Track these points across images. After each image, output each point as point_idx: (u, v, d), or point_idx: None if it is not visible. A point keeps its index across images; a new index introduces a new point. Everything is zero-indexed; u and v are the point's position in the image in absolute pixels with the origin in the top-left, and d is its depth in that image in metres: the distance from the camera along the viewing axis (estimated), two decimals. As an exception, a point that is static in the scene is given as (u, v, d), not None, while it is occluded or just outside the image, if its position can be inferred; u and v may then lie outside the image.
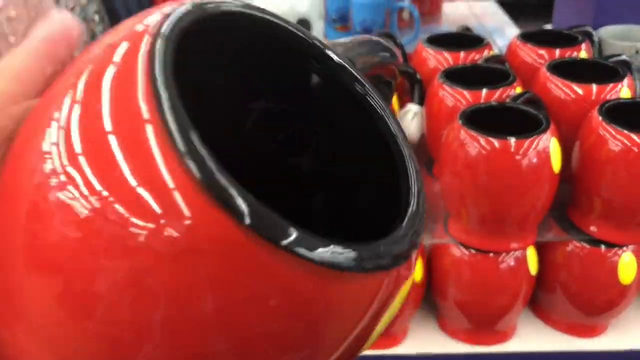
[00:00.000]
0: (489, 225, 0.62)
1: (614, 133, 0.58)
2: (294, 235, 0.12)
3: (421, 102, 0.75)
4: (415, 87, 0.75)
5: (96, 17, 2.22)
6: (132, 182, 0.12)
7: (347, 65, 0.18)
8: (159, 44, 0.13)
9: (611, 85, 0.66)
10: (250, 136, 0.21)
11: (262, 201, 0.12)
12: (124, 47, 0.14)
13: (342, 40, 0.20)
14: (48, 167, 0.13)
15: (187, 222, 0.11)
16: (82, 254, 0.12)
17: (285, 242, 0.12)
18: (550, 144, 0.57)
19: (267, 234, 0.12)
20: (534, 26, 1.03)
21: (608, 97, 0.65)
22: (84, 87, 0.13)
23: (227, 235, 0.11)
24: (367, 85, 0.18)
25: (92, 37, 2.25)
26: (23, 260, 0.13)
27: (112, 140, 0.12)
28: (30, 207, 0.13)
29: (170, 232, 0.11)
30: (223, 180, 0.11)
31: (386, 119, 0.18)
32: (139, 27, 0.14)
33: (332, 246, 0.12)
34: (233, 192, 0.11)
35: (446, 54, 0.78)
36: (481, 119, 0.60)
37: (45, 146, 0.13)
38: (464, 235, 0.64)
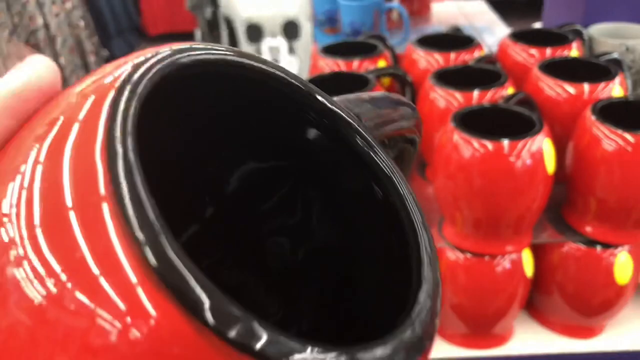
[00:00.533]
0: (484, 229, 0.61)
1: (607, 133, 0.58)
2: (264, 338, 0.10)
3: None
4: (406, 89, 0.75)
5: (81, 23, 2.19)
6: (93, 269, 0.10)
7: (347, 117, 0.16)
8: (123, 99, 0.12)
9: (603, 84, 0.66)
10: (236, 197, 0.18)
11: (244, 281, 0.10)
12: (89, 100, 0.12)
13: (353, 96, 0.17)
14: (5, 234, 0.11)
15: (150, 321, 0.10)
16: (31, 345, 0.10)
17: (255, 346, 0.10)
18: (543, 145, 0.57)
19: (233, 336, 0.10)
20: (523, 25, 1.03)
21: (600, 96, 0.65)
22: (49, 144, 0.12)
23: (187, 338, 0.10)
24: (372, 141, 0.16)
25: (78, 43, 2.23)
26: None
27: (71, 215, 0.10)
28: None
29: (134, 333, 0.10)
30: (183, 270, 0.10)
31: (393, 178, 0.15)
32: (108, 79, 0.13)
33: (310, 350, 0.10)
34: (193, 284, 0.09)
35: (436, 55, 0.77)
36: (474, 121, 0.60)
37: (5, 207, 0.11)
38: (458, 238, 0.63)
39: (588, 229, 0.63)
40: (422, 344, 0.12)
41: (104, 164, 0.11)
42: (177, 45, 0.14)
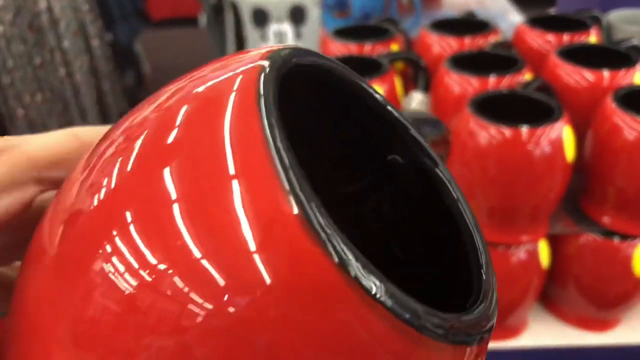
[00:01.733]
0: (499, 218, 0.59)
1: (629, 121, 0.56)
2: (397, 295, 0.11)
3: (426, 89, 0.72)
4: (419, 74, 0.73)
5: (85, 7, 2.17)
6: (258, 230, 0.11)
7: (422, 142, 0.17)
8: (268, 90, 0.12)
9: (624, 70, 0.64)
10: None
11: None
12: (236, 85, 0.13)
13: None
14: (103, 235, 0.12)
15: (311, 270, 0.11)
16: (130, 330, 0.11)
17: (384, 299, 0.11)
18: (563, 133, 0.55)
19: (375, 291, 0.11)
20: (536, 11, 1.01)
21: (620, 83, 0.63)
22: (206, 118, 0.12)
23: (329, 283, 0.11)
24: (432, 154, 0.17)
25: (82, 27, 2.20)
26: (70, 333, 0.12)
27: (237, 181, 0.11)
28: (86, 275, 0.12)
29: (300, 279, 0.11)
30: (337, 232, 0.11)
31: (451, 189, 0.16)
32: (247, 61, 0.13)
33: (423, 309, 0.11)
34: (335, 238, 0.11)
35: (451, 40, 0.76)
36: (490, 107, 0.58)
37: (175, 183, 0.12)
38: (473, 228, 0.61)
39: (606, 219, 0.61)
40: (496, 310, 0.14)
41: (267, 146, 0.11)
42: (294, 45, 0.14)
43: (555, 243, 0.65)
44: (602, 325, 0.67)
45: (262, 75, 0.12)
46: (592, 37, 0.74)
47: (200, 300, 0.11)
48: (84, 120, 2.21)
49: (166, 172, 0.12)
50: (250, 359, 0.11)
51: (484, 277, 0.14)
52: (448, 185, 0.16)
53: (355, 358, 0.11)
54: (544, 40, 0.75)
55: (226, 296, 0.11)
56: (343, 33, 0.78)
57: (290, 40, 1.77)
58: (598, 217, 0.62)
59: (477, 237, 0.15)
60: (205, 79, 0.13)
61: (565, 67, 0.65)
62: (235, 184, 0.11)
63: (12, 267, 0.18)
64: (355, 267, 0.11)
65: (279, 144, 0.11)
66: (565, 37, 0.74)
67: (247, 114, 0.12)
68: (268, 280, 0.11)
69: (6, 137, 0.16)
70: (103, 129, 0.17)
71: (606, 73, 0.64)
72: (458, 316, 0.12)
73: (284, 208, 0.11)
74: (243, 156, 0.11)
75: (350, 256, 0.11)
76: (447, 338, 0.11)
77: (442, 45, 0.76)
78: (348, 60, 0.70)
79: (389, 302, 0.11)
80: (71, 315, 0.12)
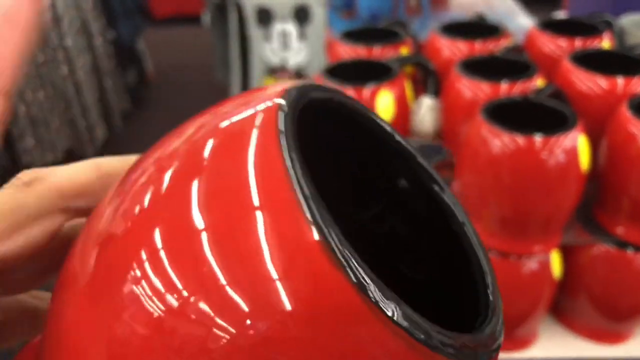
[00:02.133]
0: (511, 227, 0.58)
1: (645, 129, 0.55)
2: (407, 313, 0.12)
3: (435, 94, 0.71)
4: (429, 79, 0.71)
5: (88, 4, 2.15)
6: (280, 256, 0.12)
7: (429, 169, 0.18)
8: (287, 119, 0.13)
9: (638, 77, 0.62)
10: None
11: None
12: (259, 118, 0.14)
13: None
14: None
15: (332, 293, 0.11)
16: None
17: (400, 320, 0.12)
18: (578, 142, 0.54)
19: (391, 314, 0.12)
20: (543, 13, 0.99)
21: (635, 90, 0.62)
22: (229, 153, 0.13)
23: (350, 305, 0.11)
24: (437, 178, 0.18)
25: (85, 24, 2.19)
26: (104, 356, 0.13)
27: (262, 210, 0.12)
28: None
29: (320, 302, 0.11)
30: (355, 256, 0.12)
31: (457, 213, 0.17)
32: (265, 97, 0.14)
33: (436, 330, 0.12)
34: (353, 260, 0.11)
35: (461, 44, 0.74)
36: (502, 114, 0.57)
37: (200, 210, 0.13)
38: (483, 237, 0.60)
39: (620, 229, 0.60)
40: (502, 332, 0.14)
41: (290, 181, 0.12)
42: (305, 81, 0.15)
43: (567, 253, 0.64)
44: (614, 337, 0.66)
45: (281, 113, 0.13)
46: (605, 42, 0.73)
47: (225, 324, 0.11)
48: (86, 118, 2.20)
49: (195, 203, 0.13)
50: None
51: (491, 298, 0.15)
52: (454, 209, 0.17)
53: None
54: (555, 45, 0.73)
55: (250, 320, 0.11)
56: (351, 35, 0.76)
57: (295, 40, 1.75)
58: (612, 227, 0.61)
59: (483, 259, 0.16)
60: (228, 115, 0.14)
61: (579, 73, 0.63)
62: (259, 215, 0.12)
63: (31, 294, 0.19)
64: (374, 290, 0.11)
65: (300, 177, 0.12)
66: (578, 42, 0.73)
67: (269, 149, 0.13)
68: (291, 305, 0.11)
69: (34, 170, 0.17)
70: (124, 159, 0.18)
71: (620, 80, 0.62)
72: (468, 335, 0.13)
73: (306, 236, 0.11)
74: (267, 189, 0.12)
75: (369, 281, 0.11)
76: (457, 357, 0.12)
77: (452, 49, 0.74)
78: (357, 64, 0.68)
79: (405, 323, 0.11)
80: (104, 339, 0.13)
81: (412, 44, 0.77)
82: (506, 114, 0.57)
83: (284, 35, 1.75)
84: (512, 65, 0.68)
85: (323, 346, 0.11)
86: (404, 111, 0.65)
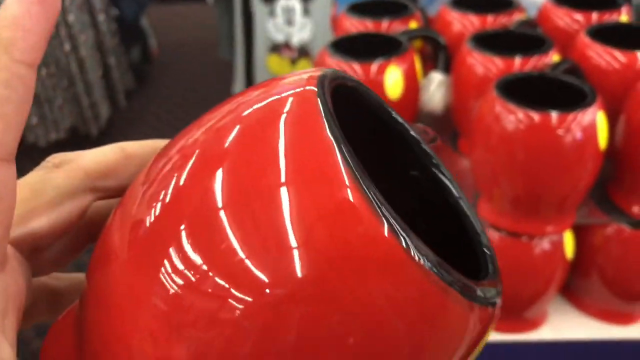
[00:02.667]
0: (524, 207, 0.57)
1: (665, 105, 0.53)
2: (438, 261, 0.14)
3: (446, 70, 0.69)
4: (439, 53, 0.69)
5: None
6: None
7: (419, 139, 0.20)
8: (325, 102, 0.15)
9: (657, 51, 0.60)
10: None
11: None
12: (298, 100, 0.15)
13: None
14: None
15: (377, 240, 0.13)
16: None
17: (433, 268, 0.14)
18: (597, 119, 0.52)
19: (425, 261, 0.14)
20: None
21: (655, 65, 0.59)
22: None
23: (397, 253, 0.13)
24: (438, 163, 0.20)
25: (86, 1, 2.16)
26: (146, 322, 0.14)
27: (310, 175, 0.14)
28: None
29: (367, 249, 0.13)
30: (393, 214, 0.14)
31: (453, 189, 0.19)
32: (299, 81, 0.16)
33: (455, 273, 0.14)
34: (399, 224, 0.14)
35: (472, 17, 0.72)
36: (516, 90, 0.55)
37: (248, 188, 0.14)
38: (495, 216, 0.59)
39: (636, 209, 0.58)
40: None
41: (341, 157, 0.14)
42: (330, 71, 0.17)
43: (580, 233, 0.62)
44: (626, 318, 0.64)
45: (319, 98, 0.15)
46: (624, 16, 0.70)
47: (273, 275, 0.13)
48: (90, 95, 2.18)
49: (244, 171, 0.14)
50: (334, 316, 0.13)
51: (489, 253, 0.17)
52: (450, 185, 0.19)
53: (409, 309, 0.14)
54: (571, 19, 0.71)
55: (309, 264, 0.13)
56: (358, 9, 0.74)
57: (299, 16, 1.72)
58: (627, 206, 0.59)
59: (477, 224, 0.18)
60: (261, 99, 0.16)
61: (596, 48, 0.61)
62: (313, 182, 0.14)
63: (51, 276, 0.20)
64: (410, 241, 0.14)
65: (344, 148, 0.14)
66: (594, 16, 0.70)
67: (316, 128, 0.14)
68: (341, 252, 0.13)
69: (63, 153, 0.18)
70: (148, 142, 0.19)
71: (639, 54, 0.60)
72: (477, 281, 0.15)
73: (353, 195, 0.13)
74: (315, 158, 0.14)
75: (405, 234, 0.14)
76: (470, 296, 0.14)
77: (463, 23, 0.72)
78: (364, 38, 0.66)
79: (429, 264, 0.14)
80: (149, 298, 0.14)
81: (421, 17, 0.75)
82: (521, 90, 0.55)
83: (288, 11, 1.72)
84: (526, 40, 0.65)
85: (369, 290, 0.13)
86: (413, 87, 0.63)
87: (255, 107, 0.15)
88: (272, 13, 1.75)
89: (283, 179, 0.13)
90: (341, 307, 0.13)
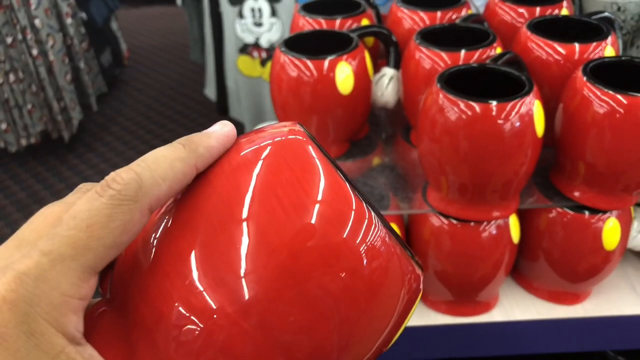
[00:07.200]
0: (470, 194, 0.59)
1: (599, 94, 0.55)
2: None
3: (397, 66, 0.71)
4: (390, 50, 0.72)
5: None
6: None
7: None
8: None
9: (595, 44, 0.63)
10: None
11: None
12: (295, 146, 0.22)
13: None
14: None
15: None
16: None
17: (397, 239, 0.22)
18: (534, 107, 0.54)
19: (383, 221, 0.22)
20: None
21: (592, 56, 0.62)
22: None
23: (367, 216, 0.21)
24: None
25: (54, 4, 2.15)
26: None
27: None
28: None
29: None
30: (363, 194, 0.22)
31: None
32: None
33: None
34: (367, 201, 0.22)
35: (422, 14, 0.74)
36: (460, 82, 0.57)
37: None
38: (443, 204, 0.61)
39: (576, 194, 0.61)
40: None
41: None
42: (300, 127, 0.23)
43: (525, 217, 0.65)
44: (572, 298, 0.68)
45: (307, 137, 0.22)
46: (564, 10, 0.74)
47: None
48: (60, 100, 2.17)
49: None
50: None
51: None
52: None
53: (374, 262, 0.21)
54: (516, 13, 0.74)
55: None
56: (313, 7, 0.76)
57: (267, 17, 1.74)
58: (569, 191, 0.62)
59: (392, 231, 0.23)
60: (255, 142, 0.22)
61: (536, 40, 0.64)
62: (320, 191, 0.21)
63: None
64: (375, 211, 0.22)
65: (337, 165, 0.22)
66: (538, 11, 0.73)
67: (311, 155, 0.22)
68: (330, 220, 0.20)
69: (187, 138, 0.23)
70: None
71: (577, 46, 0.63)
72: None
73: (349, 194, 0.21)
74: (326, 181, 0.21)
75: (372, 209, 0.21)
76: (411, 255, 0.23)
77: (413, 20, 0.74)
78: (316, 34, 0.68)
79: (393, 233, 0.22)
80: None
81: (373, 15, 0.78)
82: (464, 82, 0.58)
83: (256, 12, 1.74)
84: (472, 34, 0.68)
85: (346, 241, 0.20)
86: (364, 82, 0.66)
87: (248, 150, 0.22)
88: (240, 13, 1.76)
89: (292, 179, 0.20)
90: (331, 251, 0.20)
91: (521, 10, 0.74)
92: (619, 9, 0.79)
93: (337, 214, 0.20)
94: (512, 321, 0.66)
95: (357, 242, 0.20)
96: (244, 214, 0.20)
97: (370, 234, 0.20)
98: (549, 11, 0.73)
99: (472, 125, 0.54)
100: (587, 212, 0.62)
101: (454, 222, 0.61)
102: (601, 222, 0.61)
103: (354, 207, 0.20)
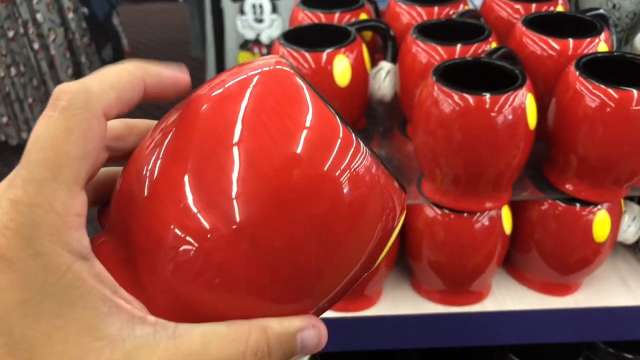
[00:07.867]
0: (464, 185, 0.60)
1: (591, 88, 0.57)
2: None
3: (394, 60, 0.72)
4: (388, 44, 0.73)
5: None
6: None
7: None
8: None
9: (588, 39, 0.64)
10: None
11: None
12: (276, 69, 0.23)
13: None
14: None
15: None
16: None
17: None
18: (526, 100, 0.56)
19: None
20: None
21: (585, 52, 0.64)
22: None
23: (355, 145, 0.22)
24: None
25: (54, 0, 2.15)
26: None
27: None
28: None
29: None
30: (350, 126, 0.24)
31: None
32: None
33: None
34: (355, 133, 0.23)
35: (420, 9, 0.76)
36: (455, 75, 0.58)
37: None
38: (437, 195, 0.62)
39: (568, 186, 0.63)
40: None
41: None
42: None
43: (518, 209, 0.66)
44: (563, 289, 0.69)
45: (293, 70, 0.23)
46: (560, 7, 0.75)
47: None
48: (60, 95, 2.17)
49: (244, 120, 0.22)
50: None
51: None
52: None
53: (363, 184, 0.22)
54: (512, 9, 0.75)
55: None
56: (312, 2, 0.77)
57: (267, 13, 1.75)
58: (561, 184, 0.63)
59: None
60: (237, 75, 0.23)
61: (530, 36, 0.65)
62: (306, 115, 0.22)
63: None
64: (363, 142, 0.23)
65: (323, 97, 0.23)
66: (533, 7, 0.74)
67: (297, 86, 0.22)
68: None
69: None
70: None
71: (571, 42, 0.64)
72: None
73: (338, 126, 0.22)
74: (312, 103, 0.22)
75: (358, 139, 0.22)
76: (397, 180, 0.24)
77: (411, 15, 0.76)
78: (315, 28, 0.70)
79: (383, 163, 0.23)
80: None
81: (371, 10, 0.79)
82: (459, 76, 0.59)
83: (257, 8, 1.75)
84: (468, 29, 0.69)
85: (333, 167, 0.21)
86: (361, 75, 0.67)
87: (232, 81, 0.23)
88: (241, 10, 1.77)
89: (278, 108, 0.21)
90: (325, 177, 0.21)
91: (517, 6, 0.75)
92: (614, 6, 0.80)
93: (324, 139, 0.21)
94: (503, 311, 0.67)
95: (343, 166, 0.21)
96: (234, 140, 0.21)
97: (357, 159, 0.21)
98: (544, 8, 0.74)
99: (466, 117, 0.55)
100: (578, 205, 0.63)
101: (448, 212, 0.62)
102: (592, 215, 0.63)
103: (340, 135, 0.21)
